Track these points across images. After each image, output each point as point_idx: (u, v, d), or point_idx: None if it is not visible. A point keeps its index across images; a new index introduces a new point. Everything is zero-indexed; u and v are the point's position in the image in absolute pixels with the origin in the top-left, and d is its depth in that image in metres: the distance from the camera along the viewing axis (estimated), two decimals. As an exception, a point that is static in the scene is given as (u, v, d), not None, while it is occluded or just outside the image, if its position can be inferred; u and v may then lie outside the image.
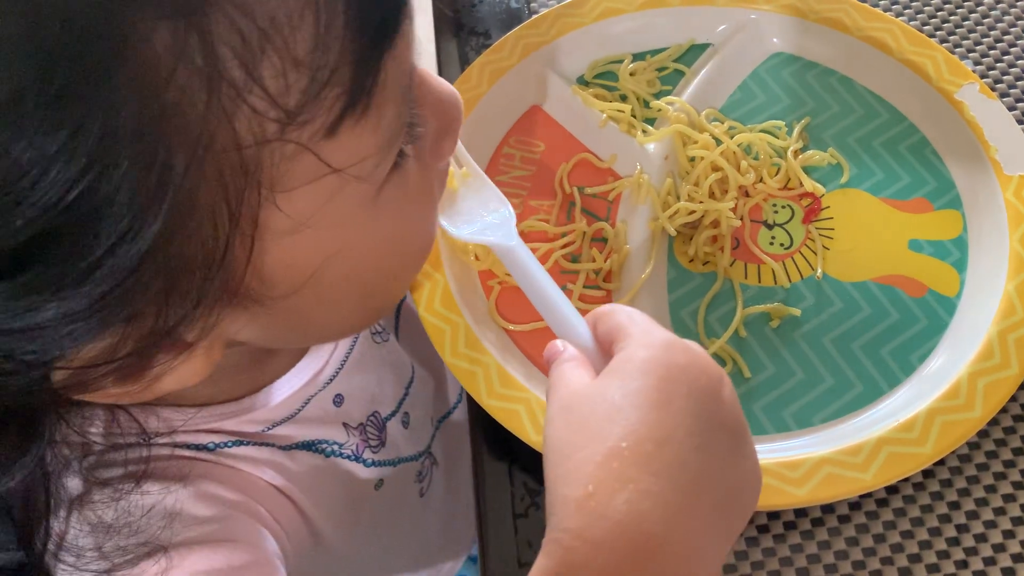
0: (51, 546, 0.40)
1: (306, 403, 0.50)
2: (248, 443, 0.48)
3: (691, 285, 0.53)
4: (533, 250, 0.53)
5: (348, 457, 0.53)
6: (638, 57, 0.61)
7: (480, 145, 0.57)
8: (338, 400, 0.52)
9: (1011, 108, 0.59)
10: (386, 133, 0.32)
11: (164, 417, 0.44)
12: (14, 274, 0.27)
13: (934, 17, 0.64)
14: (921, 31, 0.60)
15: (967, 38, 0.63)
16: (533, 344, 0.51)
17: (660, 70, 0.61)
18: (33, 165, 0.25)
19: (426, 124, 0.37)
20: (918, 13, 0.64)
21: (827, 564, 0.46)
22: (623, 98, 0.59)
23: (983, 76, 0.61)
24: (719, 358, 0.50)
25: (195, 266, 0.29)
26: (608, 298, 0.52)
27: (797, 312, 0.51)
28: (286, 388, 0.49)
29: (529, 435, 0.46)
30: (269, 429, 0.49)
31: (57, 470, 0.39)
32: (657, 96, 0.59)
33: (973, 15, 0.64)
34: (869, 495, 0.47)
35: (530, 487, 0.49)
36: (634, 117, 0.58)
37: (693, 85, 0.59)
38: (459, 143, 0.46)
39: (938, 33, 0.63)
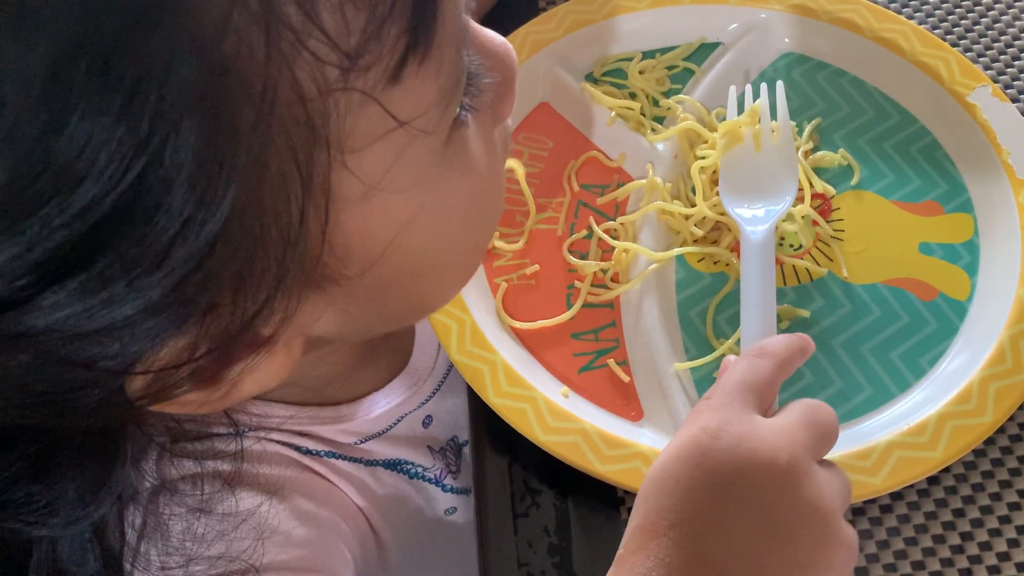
0: (126, 549, 0.38)
1: (399, 420, 0.49)
2: (339, 457, 0.47)
3: (700, 285, 0.52)
4: (541, 249, 0.53)
5: (431, 481, 0.52)
6: (648, 55, 0.60)
7: (488, 141, 0.57)
8: (427, 421, 0.52)
9: (1024, 112, 0.58)
10: (448, 78, 0.30)
11: (260, 412, 0.43)
12: (86, 265, 0.24)
13: (945, 21, 0.63)
14: (933, 33, 0.59)
15: (978, 42, 0.62)
16: (540, 342, 0.50)
17: (670, 68, 0.60)
18: (89, 139, 0.23)
19: (489, 76, 0.34)
20: (928, 16, 0.63)
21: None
22: (632, 96, 0.59)
23: (996, 79, 0.60)
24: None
25: (270, 243, 0.27)
26: (616, 298, 0.52)
27: (806, 314, 0.51)
28: (383, 402, 0.49)
29: (536, 435, 0.45)
30: (361, 442, 0.48)
31: (136, 464, 0.37)
32: (667, 94, 0.59)
33: (984, 19, 0.63)
34: (873, 500, 0.47)
35: (531, 486, 0.48)
36: (643, 115, 0.57)
37: (703, 84, 0.58)
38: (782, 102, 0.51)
39: (948, 37, 0.62)
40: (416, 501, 0.52)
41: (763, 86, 0.55)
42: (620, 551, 0.36)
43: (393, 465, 0.50)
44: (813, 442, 0.37)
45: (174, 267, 0.25)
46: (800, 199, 0.54)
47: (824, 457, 0.39)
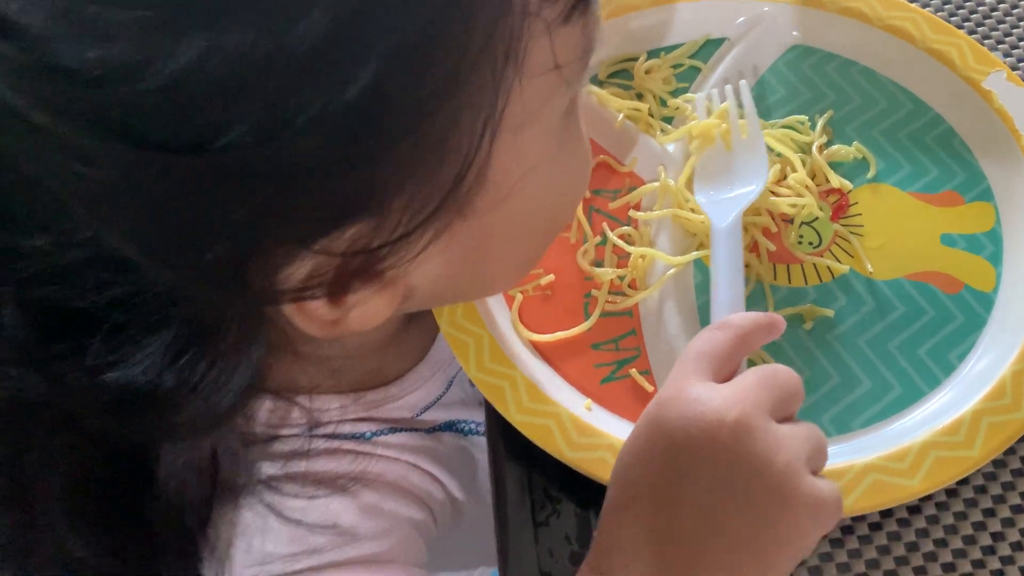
0: (206, 552, 0.40)
1: (449, 385, 0.51)
2: (401, 430, 0.48)
3: (719, 288, 0.51)
4: (555, 258, 0.52)
5: (483, 435, 0.54)
6: (652, 54, 0.59)
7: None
8: None
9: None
10: (588, 40, 0.32)
11: (324, 408, 0.44)
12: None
13: (948, 3, 0.62)
14: (942, 18, 0.58)
15: (982, 23, 0.61)
16: (559, 354, 0.49)
17: (676, 67, 0.59)
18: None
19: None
20: (941, 8, 0.62)
21: (858, 573, 0.44)
22: (639, 97, 0.58)
23: (1012, 64, 0.59)
24: (751, 363, 0.48)
25: (452, 156, 0.29)
26: (635, 305, 0.51)
27: (830, 313, 0.50)
28: (427, 373, 0.50)
29: (563, 452, 0.44)
30: (419, 414, 0.49)
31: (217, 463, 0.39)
32: (674, 94, 0.57)
33: (1003, 4, 0.62)
34: (900, 503, 0.46)
35: (551, 495, 0.47)
36: (651, 116, 0.56)
37: (710, 81, 0.57)
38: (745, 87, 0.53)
39: (953, 19, 0.61)
40: (471, 456, 0.54)
41: (728, 87, 0.55)
42: (595, 531, 0.37)
43: (449, 427, 0.52)
44: (769, 400, 0.37)
45: (384, 135, 0.27)
46: (818, 194, 0.53)
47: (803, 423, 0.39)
